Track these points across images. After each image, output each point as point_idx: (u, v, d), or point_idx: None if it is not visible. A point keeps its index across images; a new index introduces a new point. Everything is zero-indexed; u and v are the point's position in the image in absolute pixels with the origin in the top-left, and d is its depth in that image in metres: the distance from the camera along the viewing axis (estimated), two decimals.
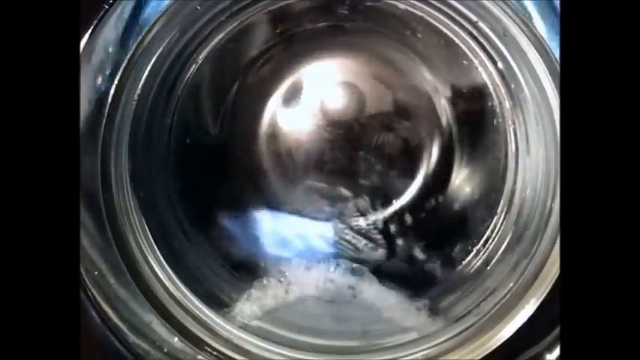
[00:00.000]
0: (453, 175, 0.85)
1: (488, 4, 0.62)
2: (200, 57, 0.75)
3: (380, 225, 0.82)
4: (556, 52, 0.59)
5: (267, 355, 0.67)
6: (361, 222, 0.82)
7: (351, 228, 0.82)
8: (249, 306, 0.72)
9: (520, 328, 0.63)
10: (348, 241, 0.81)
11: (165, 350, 0.63)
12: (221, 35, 0.74)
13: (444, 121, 0.85)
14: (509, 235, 0.73)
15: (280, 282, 0.78)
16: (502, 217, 0.76)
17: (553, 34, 0.59)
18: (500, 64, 0.70)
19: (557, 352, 0.62)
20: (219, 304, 0.70)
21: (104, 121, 0.60)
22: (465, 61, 0.76)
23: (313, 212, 0.83)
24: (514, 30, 0.62)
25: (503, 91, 0.73)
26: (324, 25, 0.82)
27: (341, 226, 0.81)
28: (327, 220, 0.82)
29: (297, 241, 0.81)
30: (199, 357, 0.64)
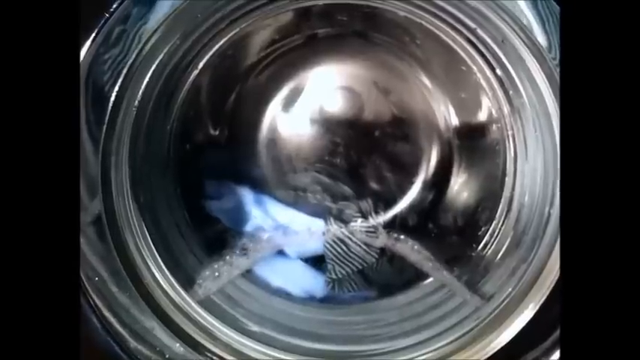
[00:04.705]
0: (452, 181, 0.85)
1: (487, 12, 0.62)
2: (200, 64, 0.75)
3: (376, 229, 0.82)
4: (554, 59, 0.60)
5: (267, 359, 0.67)
6: (357, 226, 0.82)
7: (349, 231, 0.82)
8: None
9: (519, 332, 0.64)
10: (343, 242, 0.81)
11: (166, 356, 0.63)
12: (221, 42, 0.74)
13: (442, 126, 0.85)
14: (508, 240, 0.73)
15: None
16: (501, 222, 0.76)
17: (551, 42, 0.60)
18: (498, 71, 0.70)
19: (555, 356, 0.62)
20: (219, 308, 0.70)
21: (104, 127, 0.60)
22: (463, 68, 0.76)
23: (312, 214, 0.83)
24: (513, 37, 0.62)
25: (501, 97, 0.73)
26: (323, 32, 0.83)
27: (336, 227, 0.81)
28: (324, 220, 0.82)
29: (298, 247, 0.82)
30: None
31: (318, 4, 0.75)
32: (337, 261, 0.81)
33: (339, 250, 0.81)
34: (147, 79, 0.62)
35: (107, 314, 0.61)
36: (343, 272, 0.81)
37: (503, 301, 0.66)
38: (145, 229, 0.66)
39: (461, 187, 0.85)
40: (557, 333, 0.61)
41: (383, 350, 0.69)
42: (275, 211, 0.82)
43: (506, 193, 0.76)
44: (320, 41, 0.84)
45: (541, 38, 0.60)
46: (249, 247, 0.77)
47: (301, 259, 0.82)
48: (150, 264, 0.66)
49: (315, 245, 0.82)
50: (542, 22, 0.59)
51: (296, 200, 0.85)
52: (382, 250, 0.82)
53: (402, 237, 0.79)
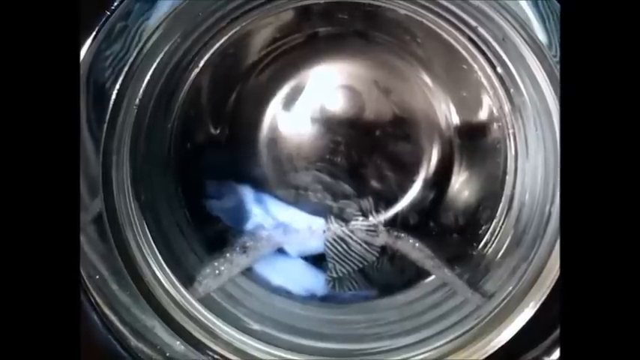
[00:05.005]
0: (453, 179, 0.86)
1: (488, 10, 0.62)
2: (201, 62, 0.75)
3: (377, 228, 0.82)
4: (555, 57, 0.60)
5: (267, 357, 0.67)
6: (358, 224, 0.82)
7: (350, 230, 0.82)
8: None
9: (519, 331, 0.64)
10: (344, 241, 0.81)
11: (167, 354, 0.63)
12: (222, 41, 0.74)
13: (443, 125, 0.85)
14: (509, 239, 0.73)
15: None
16: (501, 221, 0.76)
17: (552, 40, 0.60)
18: (499, 69, 0.70)
19: (555, 355, 0.62)
20: (220, 307, 0.70)
21: (105, 126, 0.60)
22: (464, 66, 0.76)
23: (313, 213, 0.83)
24: (513, 35, 0.62)
25: (502, 95, 0.73)
26: (324, 31, 0.83)
27: (337, 226, 0.81)
28: (325, 219, 0.82)
29: (298, 246, 0.82)
30: None
31: (319, 2, 0.75)
32: (338, 259, 0.81)
33: (339, 248, 0.81)
34: (148, 77, 0.62)
35: (108, 312, 0.61)
36: (344, 271, 0.81)
37: (503, 299, 0.66)
38: (146, 227, 0.66)
39: (462, 186, 0.85)
40: (557, 332, 0.61)
41: (383, 349, 0.69)
42: (276, 209, 0.82)
43: (506, 192, 0.76)
44: (321, 40, 0.84)
45: (542, 36, 0.60)
46: (250, 245, 0.77)
47: (302, 257, 0.82)
48: (151, 262, 0.66)
49: (315, 244, 0.82)
50: (543, 20, 0.59)
51: (297, 199, 0.85)
52: (383, 249, 0.82)
53: (402, 235, 0.80)
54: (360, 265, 0.81)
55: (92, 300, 0.61)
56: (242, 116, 0.85)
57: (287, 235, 0.80)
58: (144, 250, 0.66)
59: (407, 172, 0.86)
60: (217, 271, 0.73)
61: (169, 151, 0.77)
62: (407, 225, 0.85)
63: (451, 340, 0.66)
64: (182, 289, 0.67)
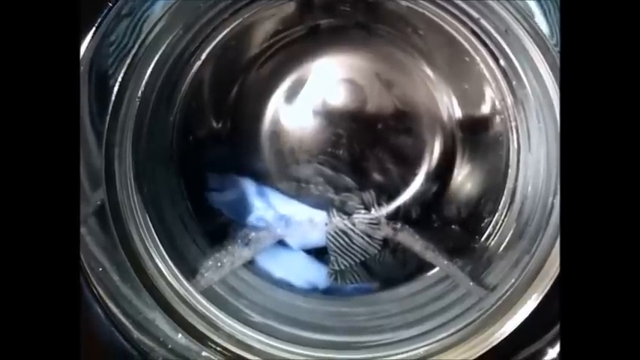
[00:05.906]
0: (455, 172, 0.86)
1: (490, 2, 0.62)
2: (203, 55, 0.75)
3: (379, 221, 0.82)
4: (557, 48, 0.60)
5: (269, 350, 0.67)
6: (360, 217, 0.82)
7: (352, 223, 0.82)
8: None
9: (521, 323, 0.64)
10: (346, 234, 0.81)
11: (169, 346, 0.63)
12: (224, 33, 0.74)
13: (445, 118, 0.85)
14: (511, 232, 0.73)
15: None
16: (504, 214, 0.76)
17: (554, 31, 0.59)
18: (502, 61, 0.70)
19: (558, 347, 0.62)
20: (222, 299, 0.70)
21: (108, 118, 0.60)
22: (466, 58, 0.76)
23: (314, 206, 0.83)
24: (516, 27, 0.62)
25: (504, 87, 0.73)
26: (326, 23, 0.83)
27: (339, 219, 0.81)
28: (327, 212, 0.82)
29: (300, 238, 0.82)
30: (203, 353, 0.64)
31: None
32: (340, 252, 0.81)
33: (341, 241, 0.81)
34: (150, 70, 0.62)
35: (110, 305, 0.62)
36: (346, 264, 0.81)
37: (506, 292, 0.66)
38: (149, 220, 0.67)
39: (464, 179, 0.85)
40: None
41: (385, 341, 0.69)
42: (277, 202, 0.82)
43: (509, 185, 0.76)
44: (322, 33, 0.83)
45: (544, 28, 0.59)
46: (252, 238, 0.77)
47: (304, 250, 0.82)
48: (153, 255, 0.66)
49: (317, 237, 0.82)
50: (545, 12, 0.59)
51: (298, 192, 0.85)
52: (385, 242, 0.82)
53: (404, 228, 0.80)
54: (362, 258, 0.81)
55: (95, 292, 0.61)
56: (244, 109, 0.85)
57: (289, 227, 0.80)
58: (146, 243, 0.66)
59: (409, 165, 0.86)
60: (219, 264, 0.73)
61: (172, 144, 0.77)
62: (409, 218, 0.85)
63: (453, 333, 0.66)
64: (184, 282, 0.67)
